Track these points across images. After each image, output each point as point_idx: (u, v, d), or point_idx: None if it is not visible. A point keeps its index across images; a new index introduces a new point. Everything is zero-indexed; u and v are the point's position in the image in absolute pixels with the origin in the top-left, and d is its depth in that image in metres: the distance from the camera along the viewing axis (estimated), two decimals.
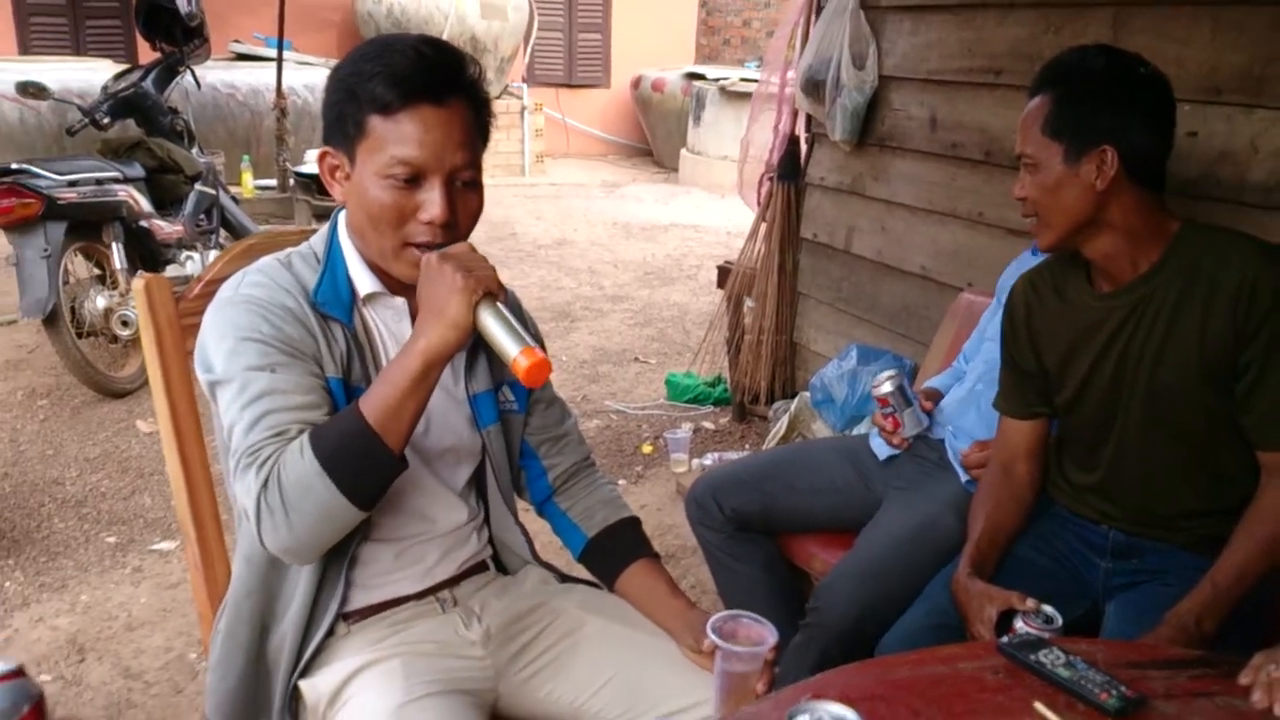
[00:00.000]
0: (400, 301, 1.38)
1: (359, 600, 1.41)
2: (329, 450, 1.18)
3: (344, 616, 1.40)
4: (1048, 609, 1.48)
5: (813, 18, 3.41)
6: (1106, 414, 1.69)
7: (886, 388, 2.08)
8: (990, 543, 1.75)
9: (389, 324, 1.38)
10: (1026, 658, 1.18)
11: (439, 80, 1.27)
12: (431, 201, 1.27)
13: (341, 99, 1.28)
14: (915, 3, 2.99)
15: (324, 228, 1.40)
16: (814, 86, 3.22)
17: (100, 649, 2.57)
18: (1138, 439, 1.66)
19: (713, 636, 1.24)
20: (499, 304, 1.24)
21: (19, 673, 0.75)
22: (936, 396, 2.26)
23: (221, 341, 1.27)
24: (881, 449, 2.20)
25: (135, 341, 4.20)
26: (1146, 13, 2.30)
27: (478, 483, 1.52)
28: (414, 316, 1.38)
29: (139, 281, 1.51)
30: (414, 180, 1.26)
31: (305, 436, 1.20)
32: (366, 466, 1.20)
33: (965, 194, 2.88)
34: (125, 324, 4.04)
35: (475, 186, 1.32)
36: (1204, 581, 1.53)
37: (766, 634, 1.26)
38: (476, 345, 1.45)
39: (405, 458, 1.24)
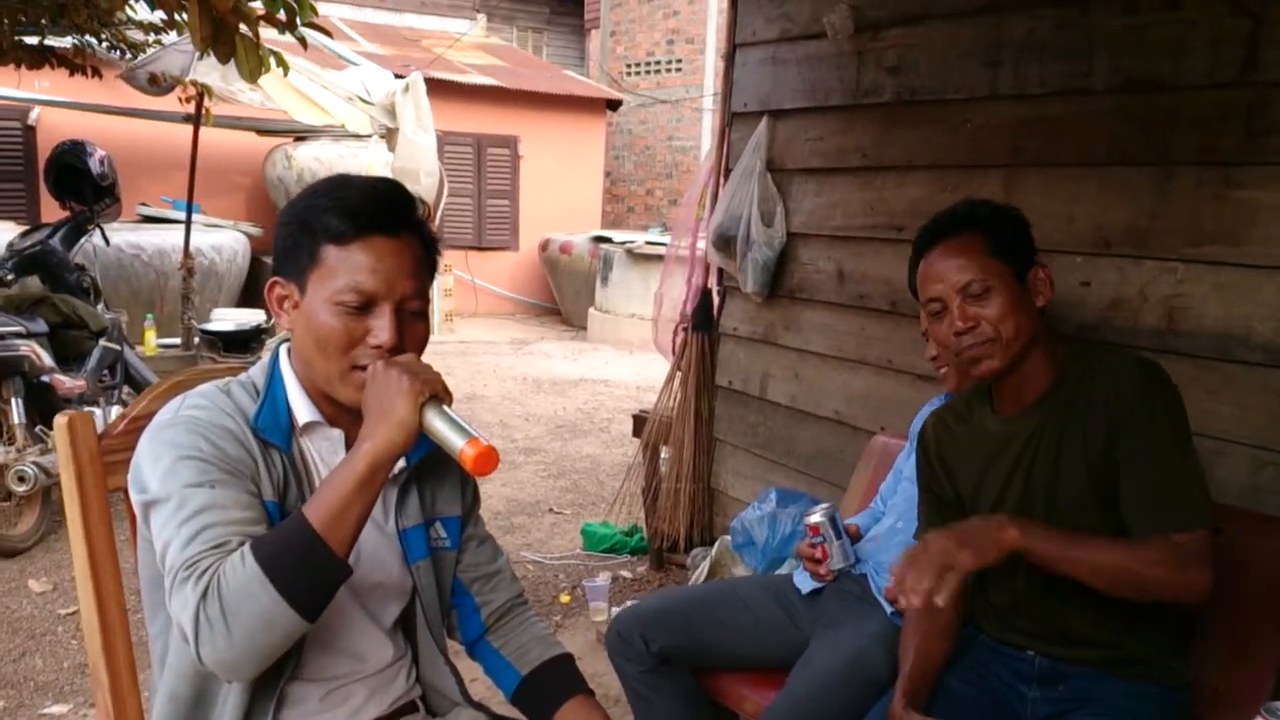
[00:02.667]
0: (337, 433, 1.39)
1: None
2: (271, 555, 1.16)
3: None
4: None
5: (721, 179, 3.59)
6: None
7: (818, 517, 2.11)
8: (921, 674, 1.76)
9: (324, 454, 1.39)
10: None
11: (392, 214, 1.32)
12: (381, 327, 1.29)
13: (295, 230, 1.32)
14: (819, 166, 3.19)
15: (264, 361, 1.41)
16: (725, 242, 3.36)
17: None
18: None
19: None
20: (444, 406, 1.25)
21: None
22: (855, 532, 2.31)
23: (159, 461, 1.25)
24: (805, 583, 2.22)
25: (30, 498, 4.03)
26: (1036, 173, 2.50)
27: (405, 621, 1.49)
28: (350, 446, 1.37)
29: (61, 418, 1.48)
30: (364, 307, 1.29)
31: (247, 545, 1.17)
32: (310, 570, 1.17)
33: (874, 342, 3.01)
34: (21, 480, 3.86)
35: (422, 316, 1.35)
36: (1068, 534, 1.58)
37: None
38: (410, 480, 1.46)
39: (349, 564, 1.22)
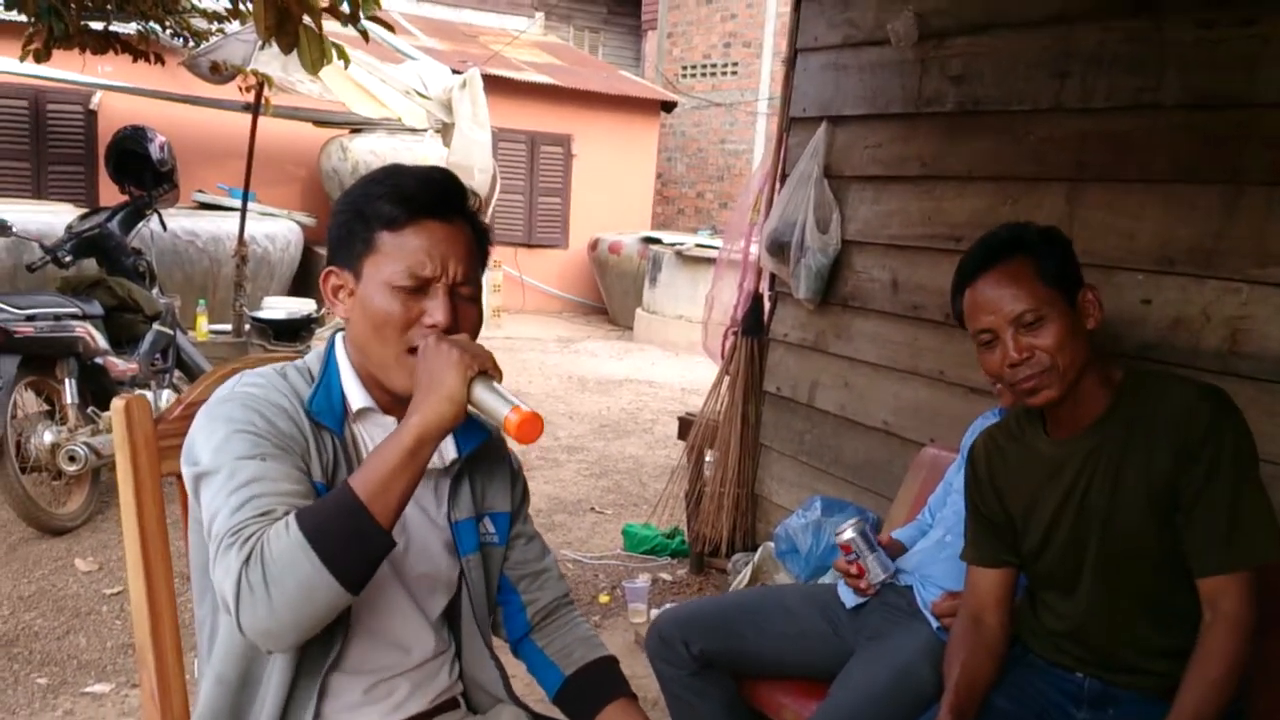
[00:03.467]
0: (390, 420, 1.39)
1: None
2: (315, 523, 1.15)
3: None
4: None
5: (777, 185, 3.57)
6: (1072, 558, 1.72)
7: (849, 534, 2.10)
8: (968, 691, 1.73)
9: (378, 440, 1.37)
10: None
11: (444, 200, 1.34)
12: (435, 307, 1.31)
13: (349, 219, 1.34)
14: (877, 174, 3.16)
15: (320, 348, 1.43)
16: (779, 248, 3.34)
17: None
18: (1101, 582, 1.69)
19: None
20: (494, 382, 1.25)
21: None
22: (899, 547, 2.28)
23: (212, 435, 1.26)
24: (849, 597, 2.19)
25: (79, 478, 4.11)
26: (1100, 188, 2.45)
27: (450, 614, 1.49)
28: None
29: (119, 401, 1.49)
30: (419, 290, 1.31)
31: (292, 514, 1.17)
32: (354, 540, 1.16)
33: (926, 353, 2.97)
34: (72, 460, 3.93)
35: (475, 301, 1.36)
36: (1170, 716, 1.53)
37: None
38: (461, 473, 1.46)
39: (393, 537, 1.21)
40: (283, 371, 1.37)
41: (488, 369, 1.25)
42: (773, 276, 3.62)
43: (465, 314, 1.34)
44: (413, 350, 1.30)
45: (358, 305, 1.34)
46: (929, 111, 2.96)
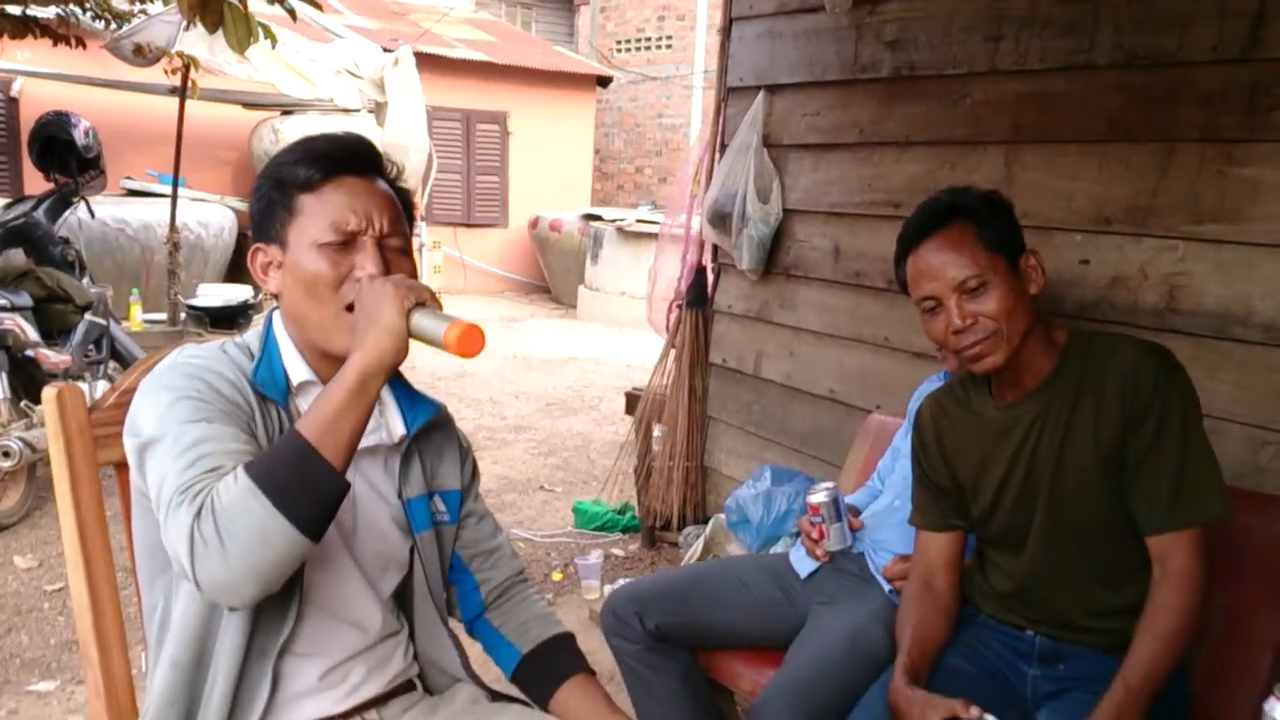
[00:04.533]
0: None
1: (280, 717, 1.34)
2: (263, 467, 1.14)
3: None
4: (991, 717, 1.48)
5: (717, 155, 3.56)
6: (1020, 521, 1.74)
7: (822, 497, 2.10)
8: (921, 652, 1.75)
9: None
10: None
11: (356, 157, 1.34)
12: (365, 259, 1.30)
13: (268, 190, 1.33)
14: (816, 142, 3.16)
15: (258, 327, 1.41)
16: (720, 219, 3.33)
17: None
18: (1048, 543, 1.71)
19: None
20: (432, 310, 1.22)
21: None
22: (859, 523, 2.30)
23: (156, 403, 1.23)
24: (802, 565, 2.20)
25: (15, 474, 3.99)
26: (1037, 150, 2.48)
27: (402, 595, 1.47)
28: None
29: (50, 391, 1.45)
30: (346, 245, 1.30)
31: (241, 465, 1.15)
32: (305, 481, 1.14)
33: (870, 320, 2.99)
34: (6, 455, 3.82)
35: (406, 255, 1.35)
36: (1115, 684, 1.56)
37: None
38: (411, 450, 1.44)
39: (346, 478, 1.18)
40: (223, 347, 1.35)
41: (424, 300, 1.22)
42: (715, 248, 3.62)
43: (398, 266, 1.32)
44: (350, 307, 1.28)
45: (288, 275, 1.32)
46: (865, 78, 2.96)
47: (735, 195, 3.29)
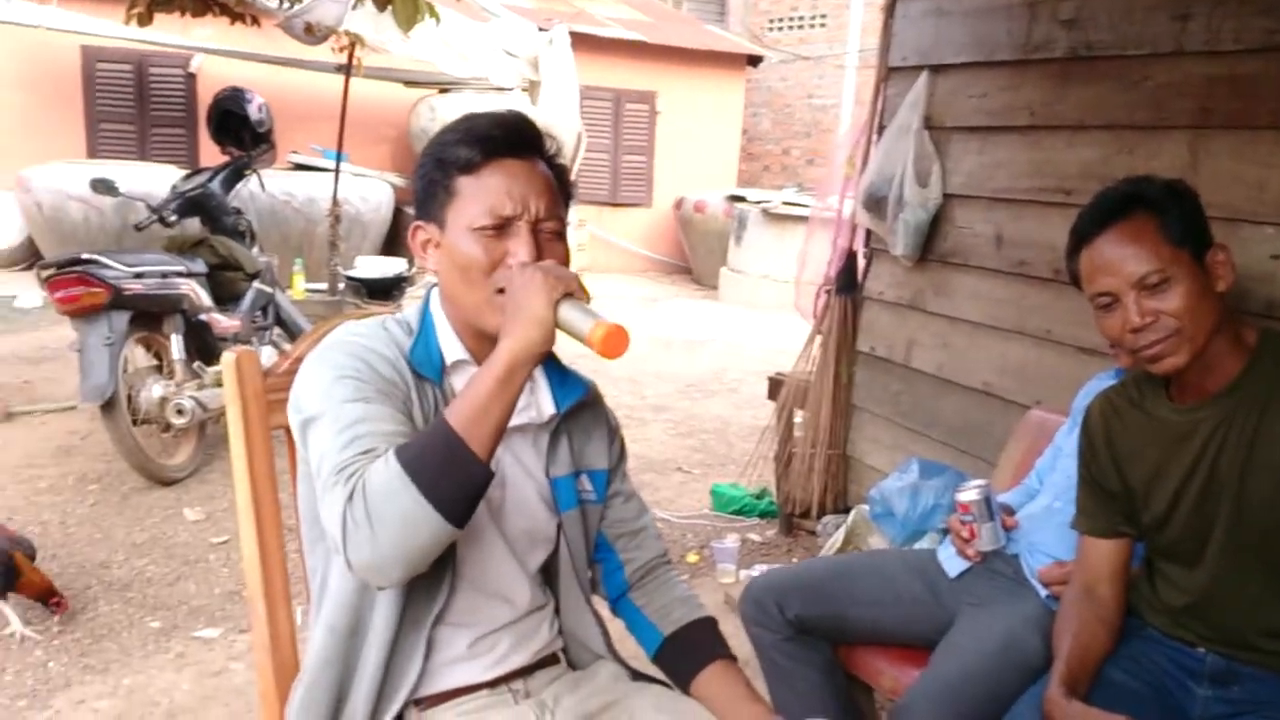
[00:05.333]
0: None
1: (432, 686, 1.38)
2: (413, 456, 1.16)
3: (415, 702, 1.37)
4: None
5: (874, 137, 3.47)
6: (1197, 532, 1.64)
7: (973, 495, 2.02)
8: (1080, 662, 1.67)
9: None
10: None
11: (517, 138, 1.34)
12: (519, 246, 1.31)
13: (429, 170, 1.36)
14: (982, 124, 3.04)
15: (417, 303, 1.44)
16: (875, 203, 3.25)
17: None
18: (1228, 557, 1.61)
19: None
20: (580, 302, 1.23)
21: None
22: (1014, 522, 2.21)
23: (318, 381, 1.28)
24: (951, 565, 2.13)
25: (187, 431, 4.24)
26: (1225, 136, 2.32)
27: (548, 570, 1.49)
28: None
29: (229, 355, 1.52)
30: (502, 230, 1.31)
31: (391, 449, 1.18)
32: (451, 471, 1.16)
33: (1033, 311, 2.87)
34: (180, 412, 4.07)
35: (560, 238, 1.36)
36: None
37: None
38: (560, 429, 1.45)
39: (491, 469, 1.20)
40: (383, 324, 1.39)
41: (573, 291, 1.23)
42: (868, 233, 3.54)
43: (551, 252, 1.33)
44: (502, 291, 1.29)
45: (445, 255, 1.35)
46: (1038, 58, 2.83)
47: (892, 179, 3.20)
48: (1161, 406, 1.68)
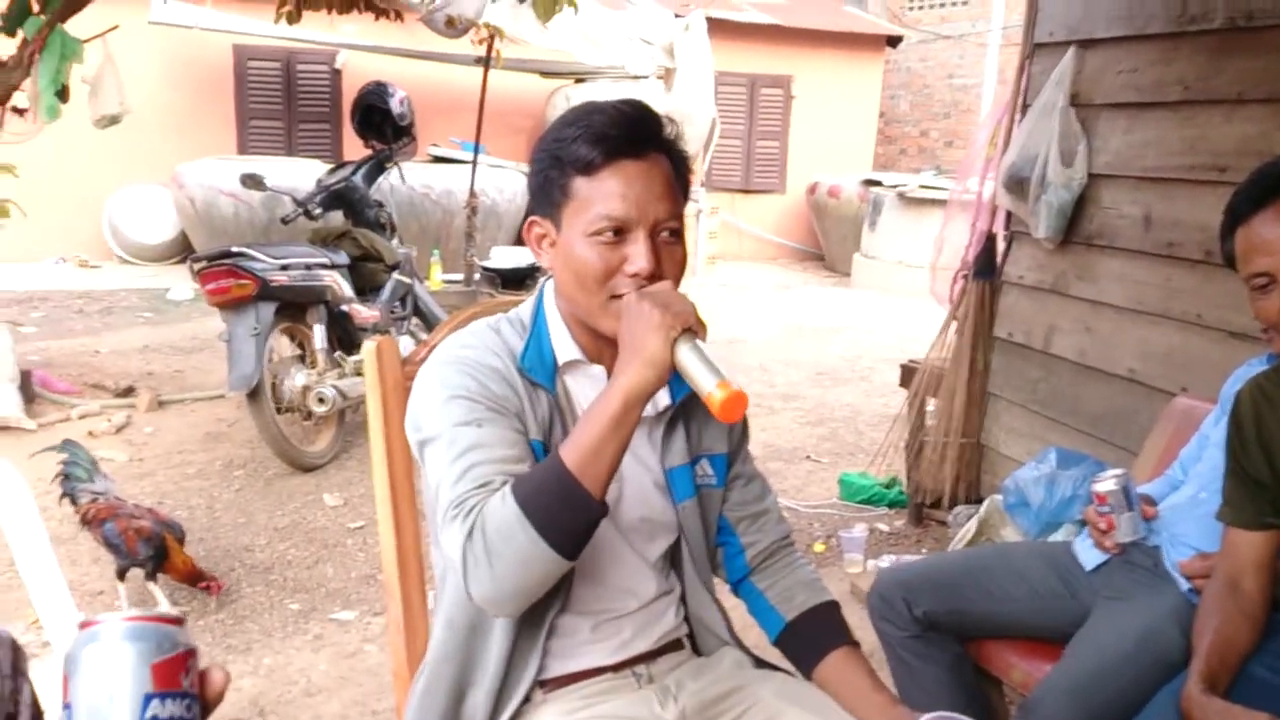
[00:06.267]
0: (598, 370, 1.39)
1: (555, 669, 1.39)
2: (529, 496, 1.18)
3: (540, 684, 1.38)
4: None
5: (1017, 116, 3.36)
6: None
7: (1110, 485, 1.95)
8: (1221, 658, 1.59)
9: (587, 392, 1.38)
10: None
11: (638, 135, 1.30)
12: (637, 254, 1.28)
13: (546, 166, 1.32)
14: (1131, 100, 2.92)
15: (531, 298, 1.43)
16: (1017, 184, 3.15)
17: (280, 712, 2.63)
18: None
19: None
20: (698, 341, 1.21)
21: (179, 620, 0.76)
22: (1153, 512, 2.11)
23: (430, 401, 1.30)
24: (1088, 557, 2.05)
25: (327, 419, 4.38)
26: None
27: (674, 557, 1.48)
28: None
29: (370, 343, 1.57)
30: (619, 235, 1.28)
31: (509, 485, 1.20)
32: (566, 510, 1.18)
33: (1181, 294, 2.74)
34: (321, 401, 4.21)
35: (678, 238, 1.33)
36: None
37: None
38: (675, 418, 1.44)
39: (606, 503, 1.22)
40: (496, 326, 1.38)
41: (691, 325, 1.21)
42: (1008, 215, 3.43)
43: (670, 255, 1.31)
44: (618, 297, 1.28)
45: (560, 255, 1.33)
46: (1194, 30, 2.70)
47: (1035, 159, 3.09)
48: None
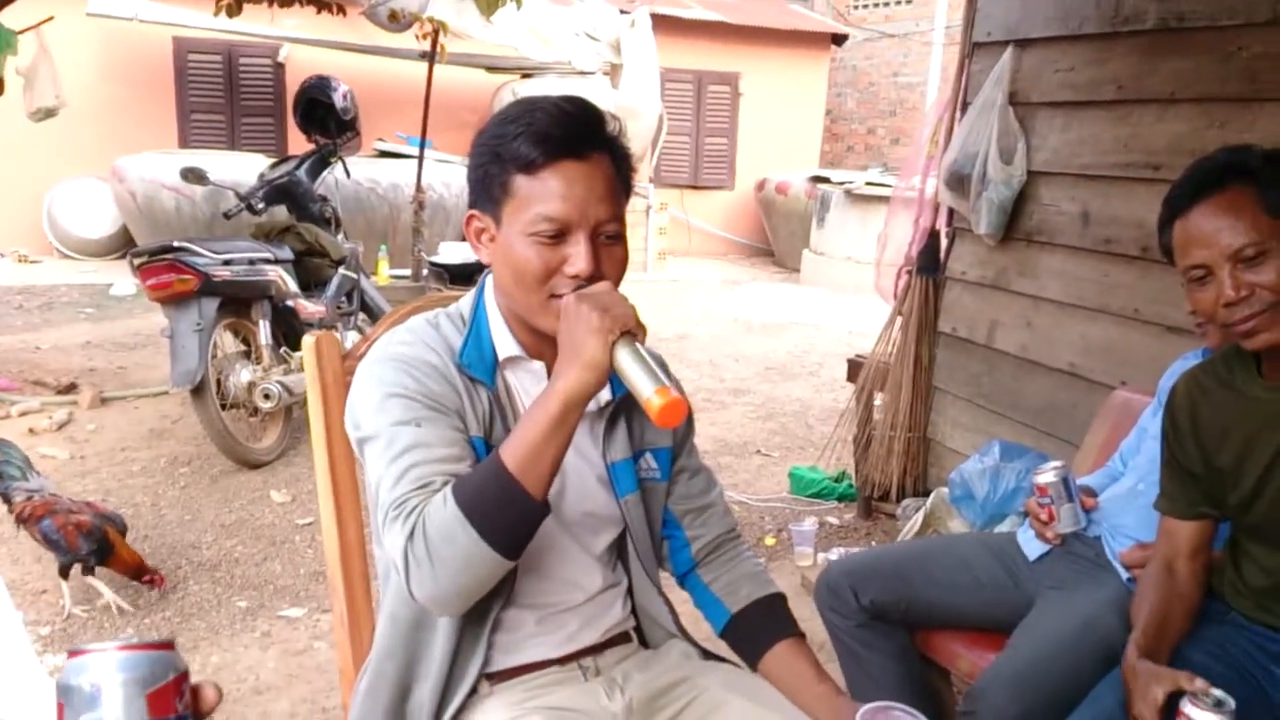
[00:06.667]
0: (539, 365, 1.38)
1: (501, 662, 1.39)
2: (469, 497, 1.17)
3: (486, 677, 1.38)
4: (1218, 692, 1.37)
5: (957, 114, 3.41)
6: None
7: (1050, 477, 1.99)
8: (1157, 633, 1.62)
9: (528, 387, 1.38)
10: None
11: (581, 135, 1.28)
12: (577, 255, 1.27)
13: (486, 161, 1.30)
14: (1068, 99, 2.97)
15: (471, 292, 1.42)
16: (959, 181, 3.19)
17: (229, 710, 2.59)
18: None
19: None
20: (638, 344, 1.21)
21: (169, 645, 0.76)
22: (1091, 502, 2.16)
23: (369, 398, 1.29)
24: (1031, 548, 2.10)
25: (274, 415, 4.35)
26: None
27: (620, 550, 1.49)
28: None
29: (309, 338, 1.55)
30: (559, 236, 1.27)
31: (449, 486, 1.19)
32: (506, 512, 1.18)
33: (1119, 290, 2.80)
34: (267, 397, 4.17)
35: (619, 239, 1.32)
36: None
37: None
38: (616, 412, 1.44)
39: (548, 503, 1.22)
40: (435, 322, 1.37)
41: (631, 328, 1.20)
42: (950, 212, 3.47)
43: (610, 256, 1.30)
44: (557, 296, 1.28)
45: (500, 252, 1.32)
46: (1127, 30, 2.75)
47: (976, 156, 3.14)
48: (1252, 385, 1.62)
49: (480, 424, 1.32)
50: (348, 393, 1.53)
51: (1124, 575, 1.94)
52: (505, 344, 1.36)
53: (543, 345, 1.36)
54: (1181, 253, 1.56)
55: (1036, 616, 1.93)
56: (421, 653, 1.36)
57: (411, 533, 1.18)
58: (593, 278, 1.27)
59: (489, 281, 1.40)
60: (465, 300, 1.41)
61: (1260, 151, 1.54)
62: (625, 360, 1.19)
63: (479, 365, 1.34)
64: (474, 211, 1.35)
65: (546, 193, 1.26)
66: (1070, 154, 2.96)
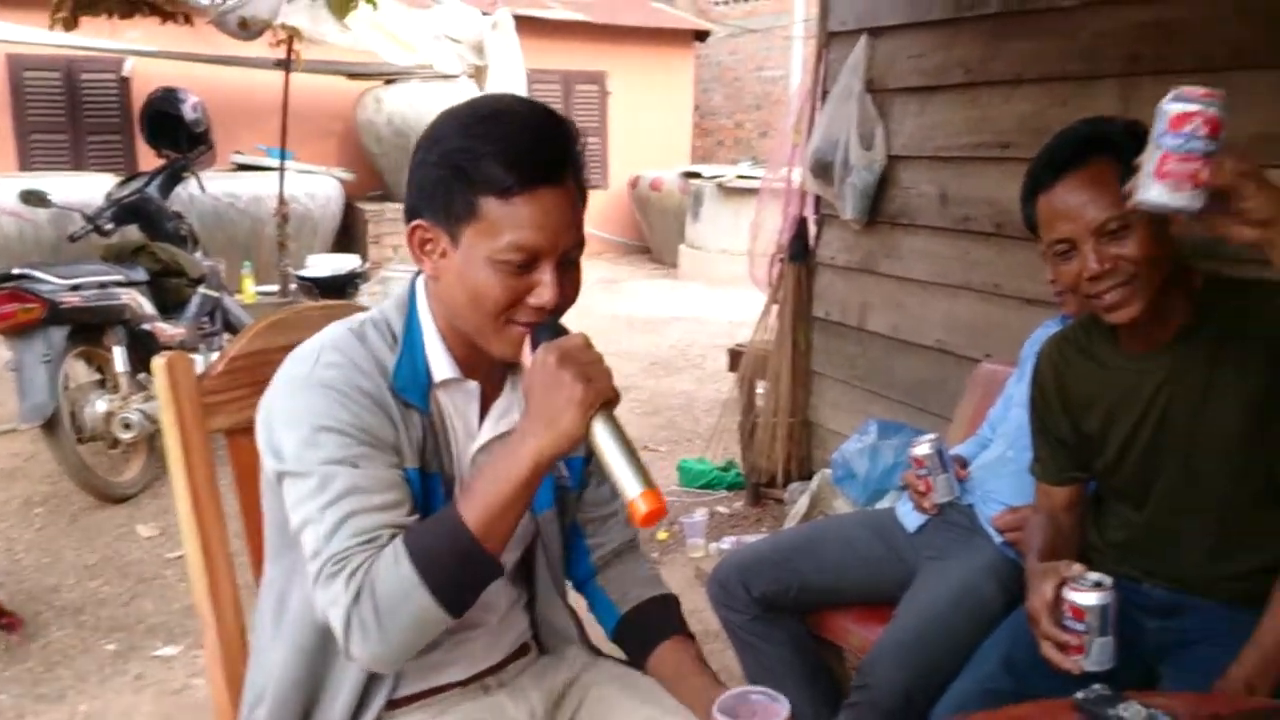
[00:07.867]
0: (473, 385, 1.32)
1: (406, 689, 1.35)
2: (427, 558, 1.12)
3: (391, 703, 1.34)
4: (1095, 575, 1.43)
5: (818, 104, 3.47)
6: (1146, 475, 1.65)
7: (925, 449, 2.04)
8: (1051, 558, 1.67)
9: (459, 407, 1.32)
10: (1105, 713, 1.12)
11: (556, 160, 1.20)
12: (545, 285, 1.20)
13: (447, 175, 1.19)
14: (920, 84, 3.05)
15: (400, 299, 1.32)
16: (823, 168, 3.25)
17: None
18: (1175, 499, 1.62)
19: (720, 718, 1.15)
20: (615, 418, 1.15)
21: None
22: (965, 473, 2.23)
23: (295, 429, 1.19)
24: (910, 520, 2.15)
25: (136, 445, 4.15)
26: (1155, 82, 2.31)
27: (525, 565, 1.46)
28: (485, 401, 1.33)
29: (160, 359, 1.47)
30: (525, 266, 1.20)
31: (399, 543, 1.13)
32: (465, 572, 1.14)
33: (979, 266, 2.88)
34: (127, 427, 3.97)
35: (576, 264, 1.26)
36: (1249, 646, 1.47)
37: (779, 709, 1.16)
38: None
39: (501, 562, 1.18)
40: (360, 333, 1.27)
41: (610, 399, 1.14)
42: (817, 199, 3.54)
43: (570, 281, 1.24)
44: (513, 322, 1.22)
45: (453, 270, 1.22)
46: (972, 15, 2.84)
47: (838, 143, 3.20)
48: (1112, 355, 1.67)
49: (414, 453, 1.25)
50: (203, 415, 1.47)
51: (997, 539, 2.01)
52: (440, 365, 1.28)
53: (478, 362, 1.30)
54: (1046, 227, 1.58)
55: (918, 587, 1.99)
56: (328, 681, 1.30)
57: (358, 595, 1.12)
58: (556, 310, 1.22)
59: (420, 286, 1.31)
60: (393, 309, 1.31)
61: (1119, 124, 1.57)
62: (605, 440, 1.13)
63: (413, 389, 1.26)
64: (421, 222, 1.23)
65: (519, 220, 1.17)
66: (925, 137, 3.04)
